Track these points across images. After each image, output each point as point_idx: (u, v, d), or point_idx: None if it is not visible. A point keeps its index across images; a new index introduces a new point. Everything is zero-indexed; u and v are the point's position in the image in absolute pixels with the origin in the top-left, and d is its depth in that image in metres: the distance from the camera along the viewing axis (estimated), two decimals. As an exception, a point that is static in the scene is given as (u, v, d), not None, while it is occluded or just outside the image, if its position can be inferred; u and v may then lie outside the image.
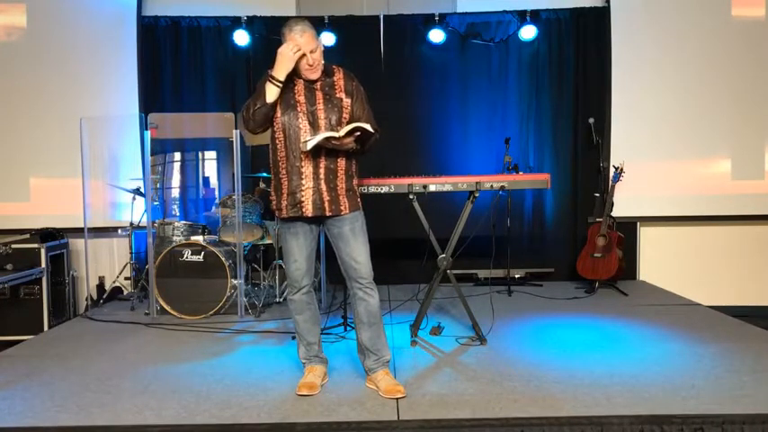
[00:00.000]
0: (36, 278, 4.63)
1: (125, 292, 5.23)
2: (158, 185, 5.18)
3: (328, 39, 5.27)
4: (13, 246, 4.55)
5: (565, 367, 3.12)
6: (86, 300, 5.03)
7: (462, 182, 3.55)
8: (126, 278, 5.14)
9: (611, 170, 5.15)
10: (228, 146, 4.63)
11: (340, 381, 3.00)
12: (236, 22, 5.36)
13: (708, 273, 5.43)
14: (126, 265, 5.14)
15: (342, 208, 2.77)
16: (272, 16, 5.38)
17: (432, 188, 3.54)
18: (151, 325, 4.19)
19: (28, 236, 4.66)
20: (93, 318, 4.47)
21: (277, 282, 4.82)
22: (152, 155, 4.70)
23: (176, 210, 5.51)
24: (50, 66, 5.29)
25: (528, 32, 5.39)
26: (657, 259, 5.54)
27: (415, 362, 3.28)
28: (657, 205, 5.39)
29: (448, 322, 4.07)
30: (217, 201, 5.02)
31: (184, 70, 5.49)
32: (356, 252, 2.78)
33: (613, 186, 5.06)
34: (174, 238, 4.63)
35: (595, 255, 5.05)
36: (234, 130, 4.42)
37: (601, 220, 5.09)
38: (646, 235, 5.56)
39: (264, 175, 4.65)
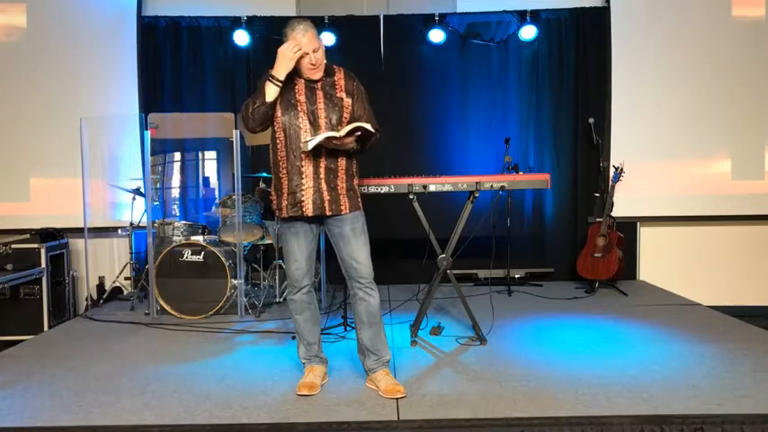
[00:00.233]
0: (36, 278, 4.63)
1: (125, 292, 5.23)
2: (158, 185, 5.17)
3: (328, 39, 5.27)
4: (13, 246, 4.55)
5: (565, 367, 3.12)
6: (86, 300, 5.03)
7: (462, 182, 3.55)
8: (126, 278, 5.14)
9: (611, 170, 5.16)
10: (228, 146, 4.63)
11: (340, 381, 3.00)
12: (236, 22, 5.36)
13: (708, 273, 5.43)
14: (126, 265, 5.14)
15: (342, 208, 2.77)
16: (272, 16, 5.38)
17: (432, 188, 3.54)
18: (151, 325, 4.19)
19: (28, 236, 4.65)
20: (93, 318, 4.47)
21: (277, 282, 4.82)
22: (152, 155, 4.70)
23: (176, 210, 5.51)
24: (50, 66, 5.29)
25: (528, 32, 5.39)
26: (657, 259, 5.54)
27: (415, 362, 3.28)
28: (657, 205, 5.39)
29: (448, 322, 4.07)
30: (217, 201, 5.02)
31: (184, 70, 5.49)
32: (357, 252, 2.78)
33: (613, 186, 5.06)
34: (174, 238, 4.63)
35: (595, 255, 5.05)
36: (234, 130, 4.43)
37: (601, 220, 5.09)
38: (646, 235, 5.56)
39: (264, 175, 4.65)
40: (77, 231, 4.96)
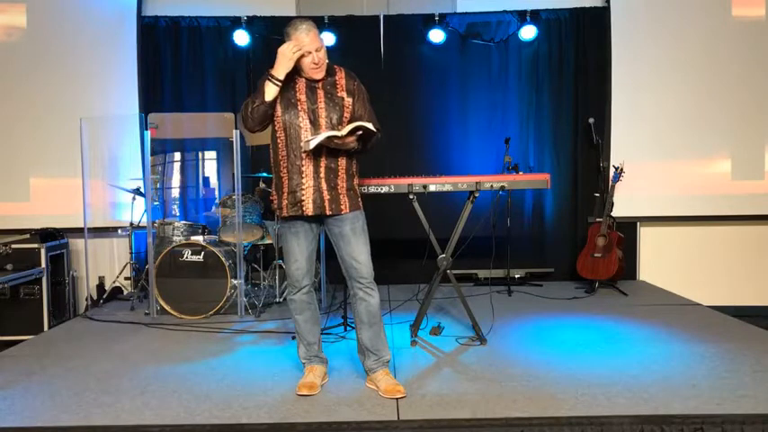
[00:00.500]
0: (36, 278, 4.63)
1: (125, 292, 5.23)
2: (158, 185, 5.17)
3: (328, 39, 5.27)
4: (13, 246, 4.55)
5: (565, 367, 3.12)
6: (86, 300, 5.03)
7: (462, 182, 3.55)
8: (126, 278, 5.14)
9: (611, 170, 5.15)
10: (228, 146, 4.63)
11: (340, 381, 3.00)
12: (236, 23, 5.36)
13: (708, 273, 5.43)
14: (126, 265, 5.14)
15: (342, 207, 2.77)
16: (272, 16, 5.38)
17: (432, 188, 3.54)
18: (151, 325, 4.19)
19: (28, 236, 4.66)
20: (93, 318, 4.47)
21: (277, 282, 4.82)
22: (152, 155, 4.71)
23: (176, 210, 5.51)
24: (50, 66, 5.29)
25: (528, 32, 5.39)
26: (657, 259, 5.54)
27: (415, 362, 3.28)
28: (657, 205, 5.39)
29: (448, 322, 4.07)
30: (217, 201, 5.03)
31: (184, 70, 5.49)
32: (357, 252, 2.79)
33: (613, 186, 5.06)
34: (174, 238, 4.63)
35: (595, 255, 5.05)
36: (234, 130, 4.43)
37: (601, 220, 5.09)
38: (646, 235, 5.56)
39: (264, 175, 4.65)
40: (77, 231, 4.96)
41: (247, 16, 5.35)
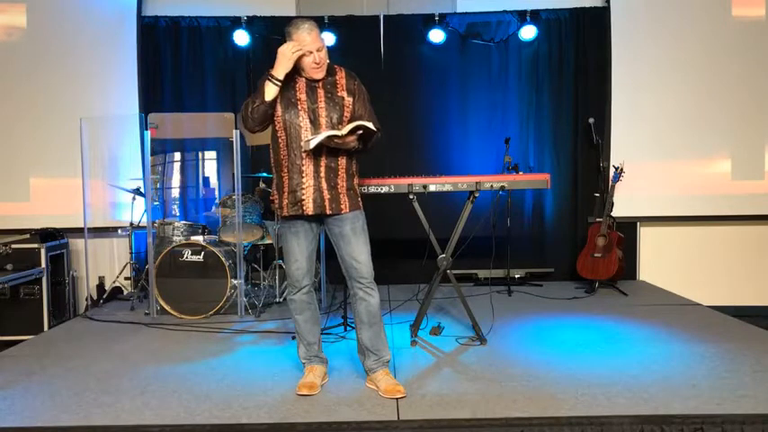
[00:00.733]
0: (36, 278, 4.63)
1: (125, 292, 5.23)
2: (158, 185, 5.17)
3: (328, 39, 5.27)
4: (13, 246, 4.55)
5: (565, 367, 3.12)
6: (86, 300, 5.03)
7: (462, 182, 3.55)
8: (126, 278, 5.14)
9: (611, 170, 5.15)
10: (228, 146, 4.63)
11: (340, 381, 3.00)
12: (236, 23, 5.36)
13: (708, 273, 5.43)
14: (126, 265, 5.14)
15: (342, 207, 2.77)
16: (272, 16, 5.38)
17: (432, 188, 3.54)
18: (151, 325, 4.19)
19: (28, 236, 4.66)
20: (93, 318, 4.47)
21: (277, 282, 4.82)
22: (152, 155, 4.71)
23: (176, 210, 5.51)
24: (50, 66, 5.29)
25: (528, 32, 5.39)
26: (657, 259, 5.54)
27: (415, 362, 3.28)
28: (657, 205, 5.39)
29: (448, 322, 4.07)
30: (217, 201, 5.03)
31: (184, 70, 5.49)
32: (357, 252, 2.79)
33: (613, 186, 5.06)
34: (174, 238, 4.63)
35: (595, 255, 5.05)
36: (234, 130, 4.43)
37: (601, 220, 5.09)
38: (646, 235, 5.56)
39: (264, 175, 4.65)
40: (77, 231, 4.96)
41: (247, 16, 5.35)
